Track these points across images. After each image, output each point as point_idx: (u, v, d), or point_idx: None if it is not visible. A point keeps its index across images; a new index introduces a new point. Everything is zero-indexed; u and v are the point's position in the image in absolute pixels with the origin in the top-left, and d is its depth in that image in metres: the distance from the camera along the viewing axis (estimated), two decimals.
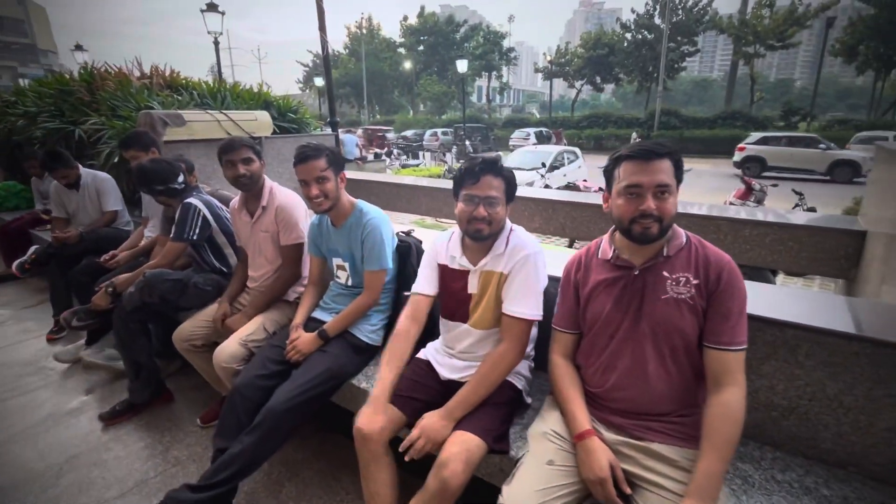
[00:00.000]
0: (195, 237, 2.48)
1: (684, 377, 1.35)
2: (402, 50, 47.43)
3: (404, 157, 18.95)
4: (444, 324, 1.77)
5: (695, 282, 1.32)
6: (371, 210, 2.05)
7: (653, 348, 1.35)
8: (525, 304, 1.53)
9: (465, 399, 1.50)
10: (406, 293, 1.99)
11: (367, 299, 2.02)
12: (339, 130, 5.24)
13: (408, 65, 43.39)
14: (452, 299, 1.71)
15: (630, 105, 64.92)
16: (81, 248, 3.56)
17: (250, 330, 2.17)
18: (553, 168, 11.38)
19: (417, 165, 15.74)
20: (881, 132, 18.12)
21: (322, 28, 5.59)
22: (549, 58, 35.36)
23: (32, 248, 3.66)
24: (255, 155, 2.27)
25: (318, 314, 2.15)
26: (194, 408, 2.64)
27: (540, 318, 1.57)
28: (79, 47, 17.73)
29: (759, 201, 8.72)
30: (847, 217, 3.33)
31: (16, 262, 3.54)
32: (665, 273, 1.35)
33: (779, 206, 7.54)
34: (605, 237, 1.52)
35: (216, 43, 10.73)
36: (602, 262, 1.48)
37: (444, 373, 1.72)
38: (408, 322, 1.70)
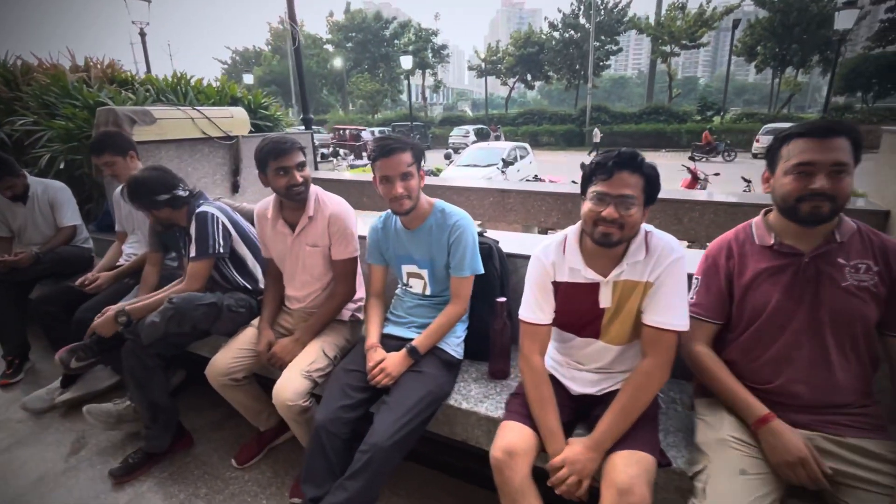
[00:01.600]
0: (222, 250, 2.11)
1: (863, 366, 1.31)
2: (329, 47, 46.09)
3: (351, 156, 18.34)
4: (564, 337, 1.58)
5: (876, 269, 1.27)
6: (455, 210, 1.82)
7: (833, 337, 1.29)
8: (675, 313, 1.37)
9: (615, 427, 1.34)
10: (499, 299, 1.80)
11: (458, 308, 1.80)
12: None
13: (338, 62, 42.15)
14: (577, 315, 1.51)
15: (555, 102, 67.57)
16: (35, 273, 2.99)
17: (311, 358, 1.87)
18: (507, 164, 11.46)
19: (365, 165, 15.26)
20: (784, 124, 20.09)
21: (292, 18, 5.15)
22: (482, 56, 35.82)
23: None
24: (301, 160, 1.95)
25: (392, 330, 1.90)
26: (223, 448, 2.27)
27: (687, 327, 1.40)
28: None
29: (704, 189, 9.33)
30: (864, 199, 3.53)
31: None
32: (841, 260, 1.29)
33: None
34: (756, 221, 1.44)
35: (142, 34, 9.56)
36: (760, 248, 1.39)
37: (576, 387, 1.55)
38: (537, 357, 1.49)
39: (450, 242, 1.77)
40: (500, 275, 1.96)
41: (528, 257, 2.02)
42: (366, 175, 7.18)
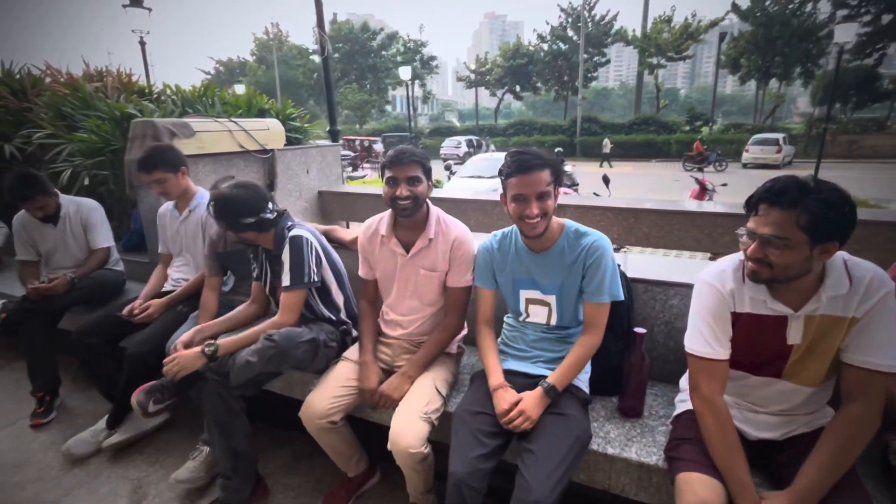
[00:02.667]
0: (315, 278, 1.91)
1: None
2: (315, 57, 45.90)
3: (349, 168, 18.12)
4: (735, 375, 1.42)
5: None
6: (590, 230, 1.66)
7: None
8: (888, 353, 1.21)
9: (822, 482, 1.17)
10: (638, 329, 1.64)
11: (594, 339, 1.62)
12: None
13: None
14: (757, 351, 1.35)
15: (539, 113, 68.22)
16: (68, 301, 2.73)
17: (425, 397, 1.68)
18: None
19: (363, 177, 15.07)
20: (773, 134, 20.54)
21: (320, 25, 4.97)
22: (472, 67, 36.01)
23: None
24: (425, 174, 1.78)
25: (514, 365, 1.72)
26: (304, 496, 2.04)
27: None
28: None
29: (711, 199, 9.37)
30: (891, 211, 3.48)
31: None
32: None
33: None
34: None
35: (142, 43, 9.24)
36: None
37: (753, 432, 1.39)
38: (720, 398, 1.32)
39: (586, 265, 1.61)
40: (628, 302, 1.80)
41: (655, 282, 1.89)
42: (370, 188, 7.01)
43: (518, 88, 35.40)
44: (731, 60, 27.55)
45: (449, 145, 25.15)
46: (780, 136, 20.17)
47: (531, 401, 1.52)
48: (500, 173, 1.60)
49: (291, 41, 50.25)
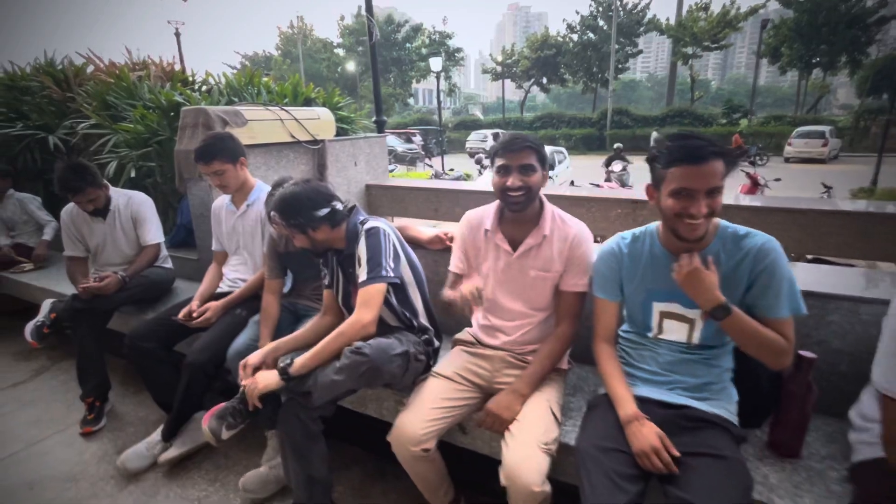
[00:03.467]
0: (393, 273, 1.68)
1: None
2: (340, 51, 45.95)
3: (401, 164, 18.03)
4: None
5: None
6: (753, 231, 1.37)
7: None
8: None
9: None
10: (806, 353, 1.35)
11: (786, 359, 1.31)
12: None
13: (351, 66, 41.88)
14: None
15: (564, 106, 67.07)
16: (119, 301, 2.56)
17: (542, 424, 1.44)
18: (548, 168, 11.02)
19: (393, 170, 14.87)
20: (818, 127, 19.56)
21: (369, 10, 4.74)
22: (499, 59, 35.45)
23: (47, 304, 2.60)
24: (539, 162, 1.55)
25: (646, 391, 1.44)
26: None
27: None
28: None
29: (763, 195, 8.85)
30: None
31: (29, 327, 2.48)
32: None
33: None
34: None
35: (177, 34, 9.20)
36: None
37: None
38: None
39: (753, 273, 1.32)
40: None
41: (808, 294, 1.59)
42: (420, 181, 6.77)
43: (545, 80, 34.70)
44: (772, 49, 26.36)
45: (475, 138, 24.80)
46: (826, 128, 19.17)
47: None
48: (655, 159, 1.32)
49: (316, 34, 50.59)
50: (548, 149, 12.19)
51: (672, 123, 24.32)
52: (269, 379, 1.61)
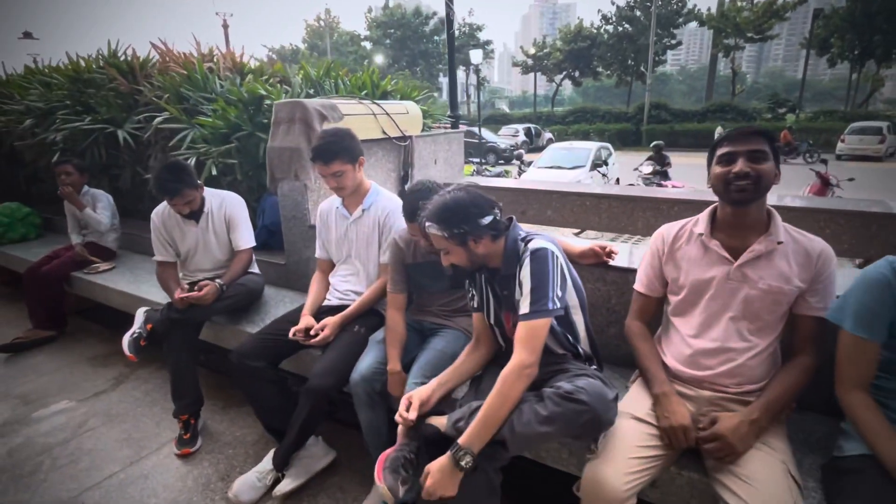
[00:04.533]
0: (560, 306, 1.41)
1: None
2: (367, 44, 45.90)
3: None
4: None
5: None
6: None
7: None
8: None
9: None
10: None
11: None
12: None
13: (379, 59, 41.69)
14: None
15: (592, 100, 65.69)
16: (214, 311, 2.36)
17: (779, 494, 1.15)
18: (595, 166, 10.59)
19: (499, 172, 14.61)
20: (874, 122, 18.53)
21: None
22: (531, 51, 34.77)
23: (140, 314, 2.42)
24: (772, 152, 1.35)
25: None
26: None
27: None
28: (27, 35, 15.29)
29: (834, 195, 8.27)
30: None
31: (127, 339, 2.30)
32: None
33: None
34: None
35: (225, 27, 9.16)
36: None
37: None
38: None
39: None
40: None
41: None
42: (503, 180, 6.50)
43: (577, 74, 33.89)
44: (820, 41, 25.12)
45: (506, 133, 24.34)
46: (884, 124, 18.11)
47: None
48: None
49: (342, 27, 50.68)
50: (594, 144, 11.79)
51: (713, 118, 23.40)
52: (440, 422, 1.38)
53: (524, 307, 1.39)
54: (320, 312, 2.18)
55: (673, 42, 29.73)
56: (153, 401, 2.69)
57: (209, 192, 2.50)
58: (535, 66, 35.37)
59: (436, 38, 41.20)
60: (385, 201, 2.15)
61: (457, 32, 38.92)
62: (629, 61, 30.60)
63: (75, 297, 3.51)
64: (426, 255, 1.92)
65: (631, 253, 2.02)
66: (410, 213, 1.74)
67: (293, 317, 2.16)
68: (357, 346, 1.96)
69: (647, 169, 8.40)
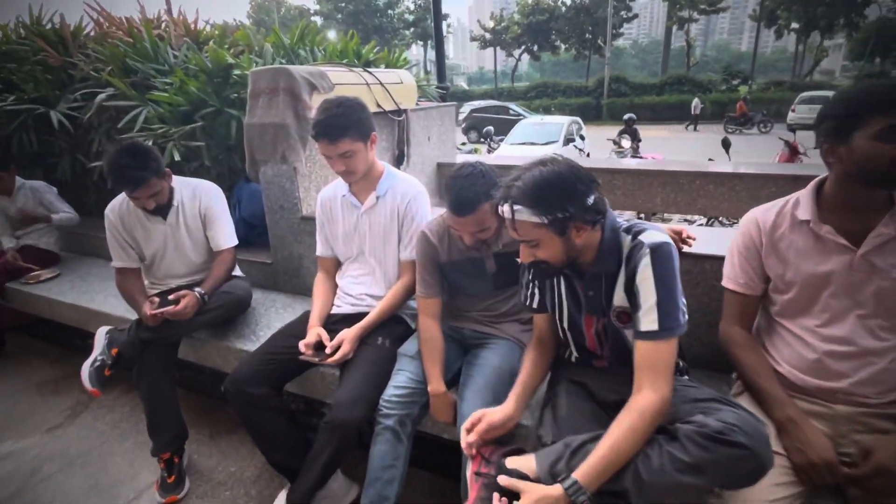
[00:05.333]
0: (687, 318, 1.12)
1: None
2: (317, 19, 44.00)
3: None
4: None
5: None
6: None
7: None
8: None
9: None
10: None
11: None
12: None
13: (332, 35, 39.92)
14: None
15: (549, 75, 65.72)
16: (194, 326, 1.94)
17: None
18: (568, 140, 10.40)
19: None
20: (823, 92, 19.23)
21: None
22: (491, 25, 34.08)
23: (102, 335, 1.96)
24: None
25: None
26: None
27: None
28: None
29: (802, 163, 8.42)
30: None
31: (87, 369, 1.84)
32: None
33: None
34: None
35: None
36: None
37: None
38: None
39: None
40: None
41: None
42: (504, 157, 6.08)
43: (536, 48, 33.56)
44: (769, 12, 25.78)
45: (467, 110, 23.83)
46: (830, 94, 18.85)
47: None
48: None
49: (290, 2, 48.37)
50: (565, 119, 11.58)
51: (671, 91, 23.75)
52: (526, 465, 1.07)
53: (649, 323, 1.09)
54: (330, 322, 1.81)
55: (629, 15, 29.83)
56: (123, 434, 2.25)
57: (178, 182, 2.04)
58: (493, 41, 34.76)
59: (390, 11, 39.77)
60: (404, 185, 1.78)
61: (412, 6, 37.98)
62: (587, 35, 30.54)
63: (12, 311, 2.96)
64: (465, 251, 1.58)
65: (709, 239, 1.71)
66: (460, 204, 1.39)
67: (297, 329, 1.79)
68: (385, 363, 1.62)
69: (627, 143, 8.23)
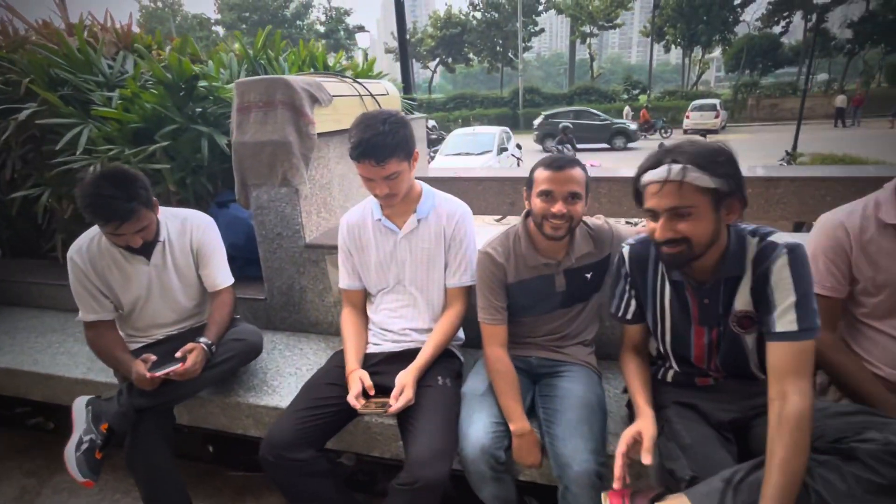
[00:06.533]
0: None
1: None
2: (219, 29, 41.70)
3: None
4: None
5: None
6: None
7: None
8: None
9: None
10: None
11: None
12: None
13: (237, 46, 37.81)
14: None
15: (460, 87, 67.40)
16: (199, 385, 1.63)
17: None
18: (501, 150, 10.63)
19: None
20: (710, 100, 21.51)
21: None
22: (406, 37, 34.14)
23: (81, 408, 1.57)
24: None
25: None
26: None
27: None
28: None
29: None
30: None
31: (72, 454, 1.45)
32: None
33: None
34: None
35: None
36: None
37: None
38: None
39: None
40: None
41: None
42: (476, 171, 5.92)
43: (450, 60, 34.25)
44: (657, 29, 28.52)
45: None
46: (716, 101, 21.18)
47: None
48: None
49: (186, 10, 45.48)
50: (496, 129, 11.82)
51: (580, 101, 25.34)
52: None
53: (787, 323, 1.05)
54: (369, 364, 1.60)
55: (536, 29, 31.49)
56: None
57: (164, 213, 1.72)
58: (409, 53, 34.94)
59: (299, 22, 38.55)
60: (449, 205, 1.63)
61: (323, 17, 37.14)
62: (498, 48, 31.73)
63: None
64: (535, 268, 1.47)
65: None
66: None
67: (334, 376, 1.57)
68: (453, 406, 1.45)
69: (567, 151, 8.56)
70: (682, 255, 1.09)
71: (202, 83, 2.37)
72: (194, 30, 40.70)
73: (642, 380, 1.30)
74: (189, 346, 1.56)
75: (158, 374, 1.47)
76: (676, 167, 1.03)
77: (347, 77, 2.42)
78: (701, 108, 20.88)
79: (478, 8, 31.65)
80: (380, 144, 1.38)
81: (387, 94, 2.69)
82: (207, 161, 2.32)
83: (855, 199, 1.35)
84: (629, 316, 1.31)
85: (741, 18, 27.10)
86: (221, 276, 1.80)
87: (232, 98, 2.27)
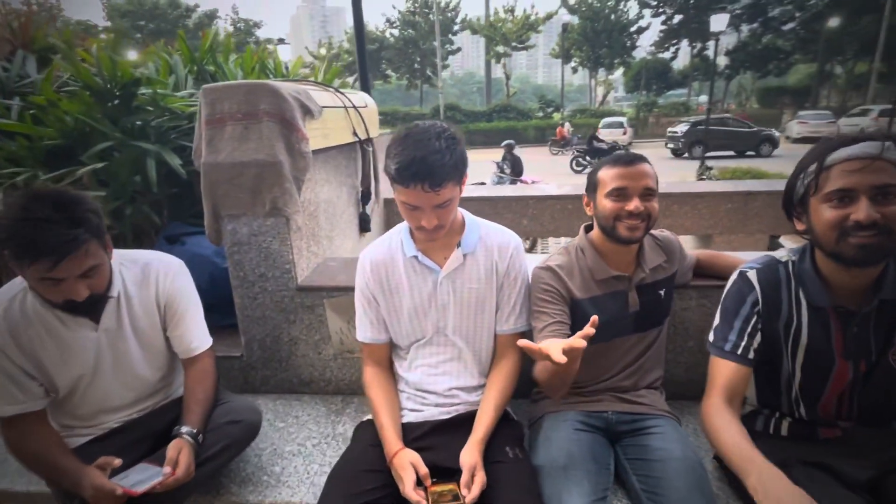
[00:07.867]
0: None
1: None
2: (103, 37, 38.01)
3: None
4: None
5: None
6: None
7: None
8: None
9: None
10: None
11: None
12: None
13: (132, 55, 34.63)
14: None
15: (380, 103, 67.12)
16: (192, 485, 1.20)
17: None
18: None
19: None
20: (618, 118, 23.21)
21: None
22: (322, 52, 33.15)
23: None
24: None
25: None
26: None
27: None
28: None
29: None
30: None
31: None
32: None
33: None
34: None
35: None
36: None
37: None
38: None
39: None
40: None
41: None
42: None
43: (369, 76, 33.91)
44: (565, 51, 30.39)
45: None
46: (623, 119, 22.92)
47: None
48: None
49: (66, 15, 41.08)
50: None
51: (499, 118, 26.14)
52: None
53: None
54: (410, 438, 1.27)
55: (453, 48, 32.16)
56: None
57: (119, 258, 1.28)
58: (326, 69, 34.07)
59: (200, 33, 36.07)
60: (499, 236, 1.36)
61: (232, 28, 35.15)
62: (416, 65, 31.97)
63: None
64: (609, 281, 1.29)
65: None
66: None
67: (372, 460, 1.22)
68: (534, 483, 1.17)
69: (509, 170, 8.51)
70: (882, 246, 0.92)
71: (143, 90, 1.91)
72: (77, 36, 36.72)
73: (746, 434, 1.09)
74: (174, 445, 1.14)
75: (138, 489, 1.04)
76: (890, 143, 0.90)
77: (331, 87, 2.08)
78: (610, 126, 22.44)
79: (394, 25, 31.72)
80: (437, 165, 1.10)
81: (366, 106, 2.38)
82: (155, 187, 1.85)
83: None
84: (750, 354, 1.12)
85: (637, 44, 29.69)
86: (198, 337, 1.38)
87: (185, 109, 1.86)
